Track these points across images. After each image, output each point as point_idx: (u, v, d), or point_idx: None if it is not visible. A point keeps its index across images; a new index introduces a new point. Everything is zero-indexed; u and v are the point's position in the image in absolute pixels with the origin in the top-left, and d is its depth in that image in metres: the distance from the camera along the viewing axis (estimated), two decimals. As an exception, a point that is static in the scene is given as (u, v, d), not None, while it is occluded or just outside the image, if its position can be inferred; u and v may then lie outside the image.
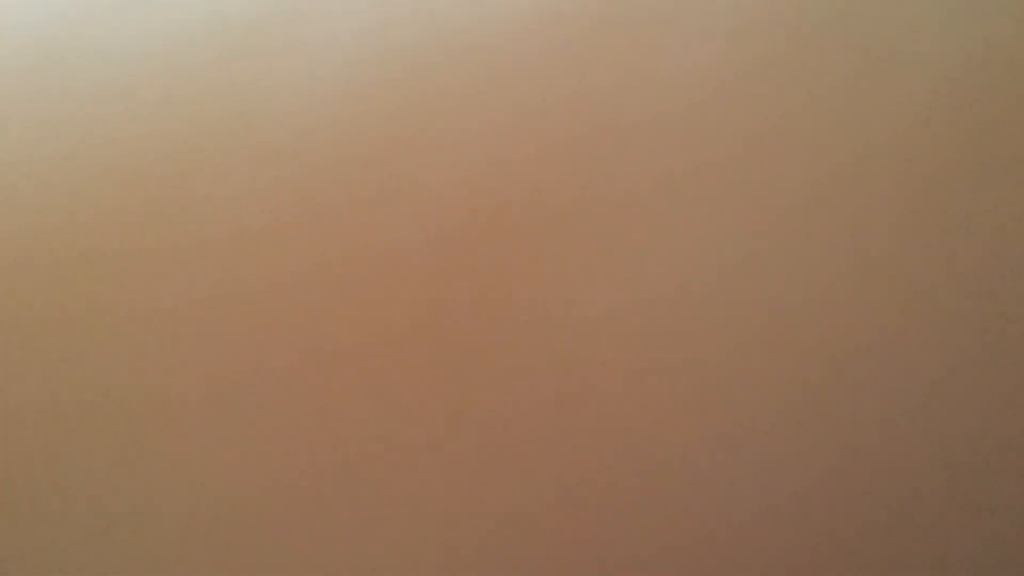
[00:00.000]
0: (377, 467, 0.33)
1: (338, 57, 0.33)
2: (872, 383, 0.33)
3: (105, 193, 0.33)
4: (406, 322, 0.33)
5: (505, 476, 0.33)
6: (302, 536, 0.33)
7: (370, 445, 0.33)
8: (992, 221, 0.33)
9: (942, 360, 0.33)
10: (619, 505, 0.33)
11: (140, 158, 0.33)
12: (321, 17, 0.34)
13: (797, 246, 0.33)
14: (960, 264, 0.33)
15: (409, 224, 0.33)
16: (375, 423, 0.33)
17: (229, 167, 0.33)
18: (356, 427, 0.33)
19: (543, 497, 0.33)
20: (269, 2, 0.34)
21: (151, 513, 0.33)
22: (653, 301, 0.33)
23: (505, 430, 0.33)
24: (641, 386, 0.33)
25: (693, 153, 0.33)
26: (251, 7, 0.34)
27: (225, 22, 0.34)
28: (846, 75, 0.33)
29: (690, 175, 0.33)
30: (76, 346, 0.33)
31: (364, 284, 0.33)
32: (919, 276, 0.33)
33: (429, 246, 0.33)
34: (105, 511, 0.33)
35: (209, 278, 0.33)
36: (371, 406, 0.33)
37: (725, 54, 0.33)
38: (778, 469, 0.33)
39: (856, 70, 0.33)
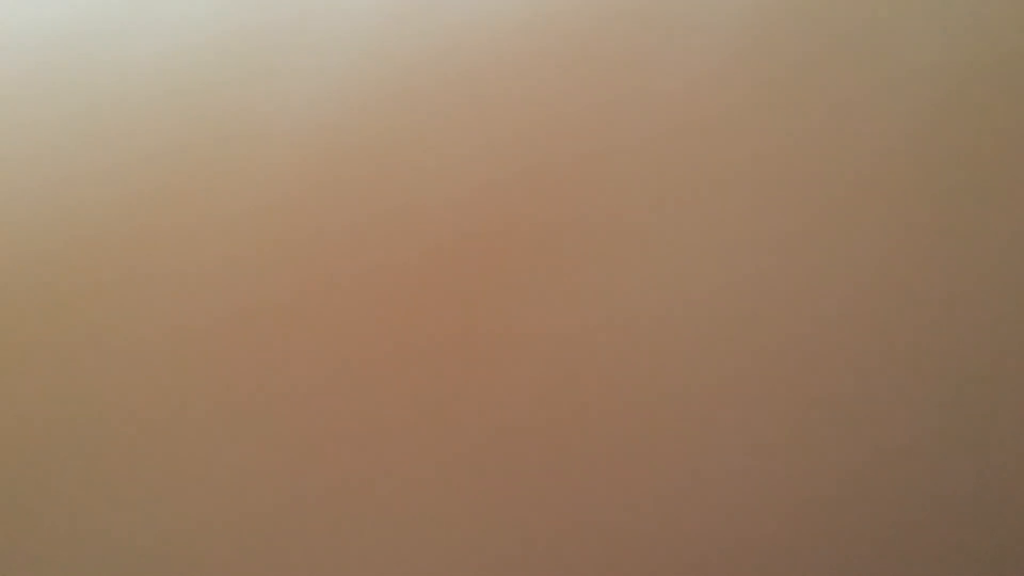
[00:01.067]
0: (374, 481, 0.33)
1: (337, 73, 0.33)
2: (873, 392, 0.33)
3: (104, 204, 0.33)
4: (407, 335, 0.33)
5: (507, 491, 0.33)
6: (302, 546, 0.33)
7: (367, 459, 0.33)
8: (996, 227, 0.33)
9: (947, 365, 0.33)
10: (619, 519, 0.33)
11: (139, 170, 0.33)
12: (321, 33, 0.34)
13: (800, 257, 0.33)
14: (964, 271, 0.33)
15: (407, 239, 0.33)
16: (372, 438, 0.33)
17: (229, 181, 0.33)
18: (353, 442, 0.33)
19: (544, 511, 0.33)
20: (272, 15, 0.34)
21: (151, 525, 0.33)
22: (651, 315, 0.33)
23: (505, 445, 0.33)
24: (642, 401, 0.33)
25: (693, 165, 0.33)
26: (254, 20, 0.34)
27: (227, 36, 0.34)
28: (847, 84, 0.33)
29: (690, 188, 0.33)
30: (76, 361, 0.33)
31: (362, 300, 0.33)
32: (922, 284, 0.33)
33: (424, 261, 0.33)
34: (104, 523, 0.33)
35: (207, 292, 0.33)
36: (368, 420, 0.33)
37: (725, 64, 0.33)
38: (785, 484, 0.33)
39: (857, 78, 0.34)
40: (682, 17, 0.34)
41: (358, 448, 0.33)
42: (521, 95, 0.33)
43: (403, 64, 0.33)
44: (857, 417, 0.33)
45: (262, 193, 0.33)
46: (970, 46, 0.34)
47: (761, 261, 0.33)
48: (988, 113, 0.34)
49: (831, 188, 0.33)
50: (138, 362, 0.33)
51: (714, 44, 0.33)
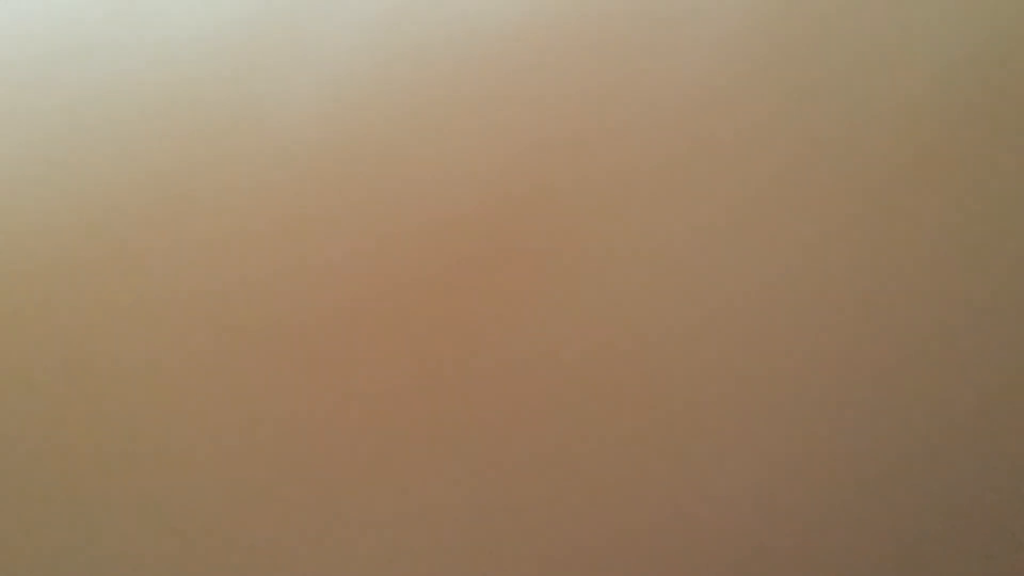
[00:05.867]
0: (383, 472, 0.33)
1: (340, 64, 0.33)
2: (867, 382, 0.33)
3: (105, 200, 0.33)
4: (407, 327, 0.33)
5: (514, 479, 0.33)
6: (303, 543, 0.33)
7: (374, 450, 0.33)
8: (991, 220, 0.33)
9: (940, 356, 0.33)
10: (622, 509, 0.33)
11: (142, 164, 0.33)
12: (323, 23, 0.34)
13: (795, 244, 0.33)
14: (959, 264, 0.33)
15: (409, 226, 0.33)
16: (378, 429, 0.33)
17: (233, 172, 0.33)
18: (359, 433, 0.33)
19: (550, 500, 0.33)
20: (273, 14, 0.34)
21: (152, 538, 0.33)
22: (657, 325, 0.33)
23: (508, 430, 0.33)
24: (646, 386, 0.33)
25: (691, 153, 0.33)
26: (255, 19, 0.34)
27: (228, 26, 0.34)
28: (842, 76, 0.33)
29: (687, 176, 0.33)
30: (77, 364, 0.33)
31: (367, 291, 0.33)
32: (916, 277, 0.33)
33: (427, 248, 0.33)
34: (103, 533, 0.33)
35: (212, 280, 0.33)
36: (376, 410, 0.33)
37: (722, 54, 0.33)
38: (782, 473, 0.33)
39: (853, 71, 0.33)
40: (685, 26, 0.33)
41: (356, 461, 0.33)
42: (519, 96, 0.33)
43: (412, 47, 0.33)
44: (859, 423, 0.33)
45: (262, 193, 0.33)
46: (980, 48, 0.34)
47: (764, 269, 0.33)
48: (997, 117, 0.33)
49: (835, 197, 0.33)
50: (133, 363, 0.33)
51: (713, 34, 0.33)
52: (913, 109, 0.33)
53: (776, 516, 0.33)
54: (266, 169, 0.33)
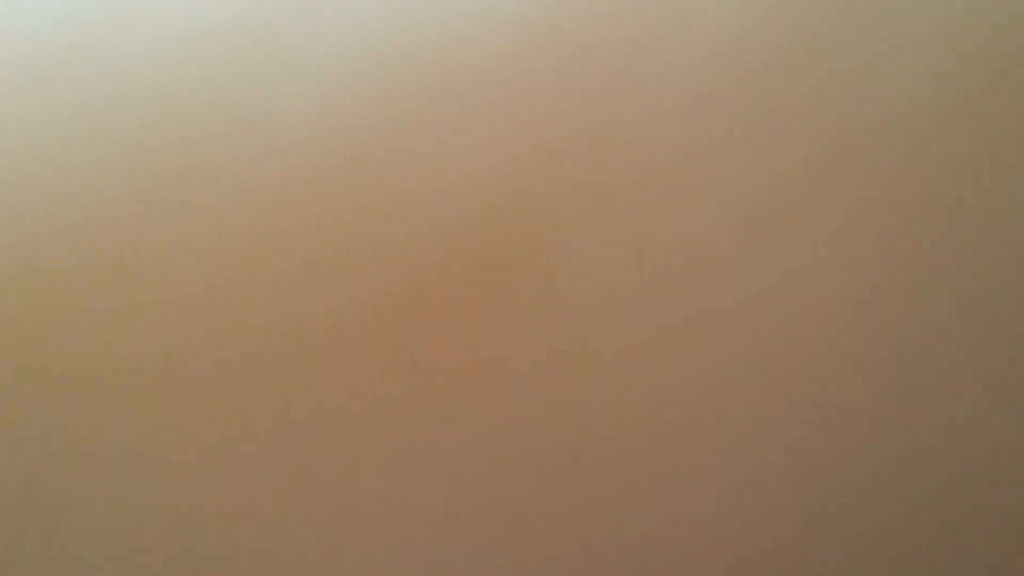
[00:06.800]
0: (378, 472, 0.33)
1: (339, 66, 0.33)
2: (866, 384, 0.33)
3: (105, 200, 0.33)
4: (405, 328, 0.33)
5: (513, 481, 0.33)
6: (302, 543, 0.33)
7: (373, 453, 0.33)
8: (989, 221, 0.33)
9: (939, 357, 0.33)
10: (620, 510, 0.33)
11: (141, 165, 0.33)
12: (323, 25, 0.34)
13: (793, 247, 0.33)
14: (958, 266, 0.33)
15: (407, 228, 0.33)
16: (375, 429, 0.33)
17: (233, 173, 0.33)
18: (355, 434, 0.33)
19: (550, 502, 0.33)
20: (273, 6, 0.34)
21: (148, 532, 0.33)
22: (647, 304, 0.33)
23: (507, 432, 0.33)
24: (643, 387, 0.33)
25: (690, 156, 0.33)
26: (252, 13, 0.34)
27: (228, 27, 0.34)
28: (841, 78, 0.33)
29: (685, 176, 0.33)
30: (72, 355, 0.33)
31: (364, 293, 0.33)
32: (916, 279, 0.33)
33: (424, 250, 0.33)
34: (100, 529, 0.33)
35: (211, 280, 0.33)
36: (374, 412, 0.33)
37: (721, 54, 0.33)
38: (780, 474, 0.33)
39: (852, 72, 0.33)
40: (683, 28, 0.33)
41: (355, 464, 0.33)
42: (518, 98, 0.33)
43: (413, 46, 0.33)
44: (859, 424, 0.33)
45: (261, 194, 0.33)
46: (980, 48, 0.34)
47: (763, 271, 0.33)
48: (997, 117, 0.33)
49: (833, 200, 0.33)
50: (131, 364, 0.33)
51: (712, 33, 0.33)
52: (913, 110, 0.33)
53: (776, 516, 0.33)
54: (266, 170, 0.33)
